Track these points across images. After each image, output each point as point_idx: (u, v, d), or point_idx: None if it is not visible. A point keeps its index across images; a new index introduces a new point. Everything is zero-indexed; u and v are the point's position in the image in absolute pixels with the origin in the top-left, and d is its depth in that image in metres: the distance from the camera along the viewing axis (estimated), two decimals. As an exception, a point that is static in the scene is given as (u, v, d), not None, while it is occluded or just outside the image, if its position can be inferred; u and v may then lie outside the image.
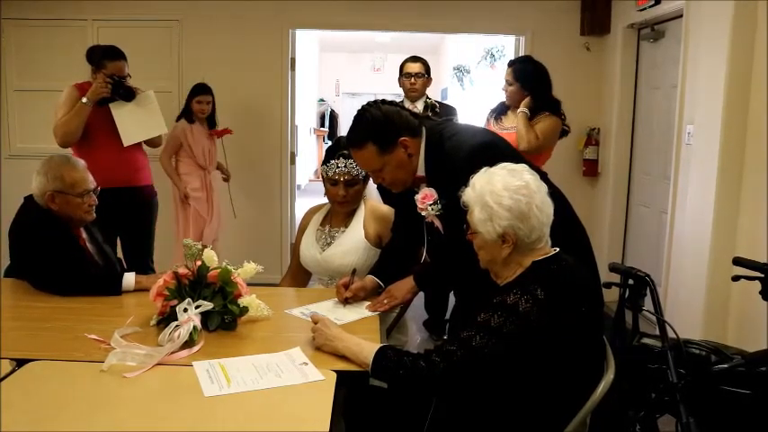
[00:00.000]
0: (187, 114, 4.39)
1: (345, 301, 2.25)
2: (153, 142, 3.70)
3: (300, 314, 2.14)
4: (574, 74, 4.88)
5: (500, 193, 1.61)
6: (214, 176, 4.52)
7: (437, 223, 2.17)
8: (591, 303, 1.63)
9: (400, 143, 2.03)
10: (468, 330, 1.59)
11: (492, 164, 1.73)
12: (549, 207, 1.65)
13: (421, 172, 2.11)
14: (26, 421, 1.39)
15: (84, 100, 3.36)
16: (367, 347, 1.71)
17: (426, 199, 2.08)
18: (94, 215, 2.49)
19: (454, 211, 1.80)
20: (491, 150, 1.97)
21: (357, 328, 1.98)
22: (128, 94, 3.45)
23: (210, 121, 4.46)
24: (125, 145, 3.49)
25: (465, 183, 1.72)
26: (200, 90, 4.37)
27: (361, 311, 2.18)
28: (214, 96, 4.41)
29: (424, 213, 2.12)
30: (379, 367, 1.66)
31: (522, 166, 1.70)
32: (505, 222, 1.60)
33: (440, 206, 2.07)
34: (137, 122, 3.51)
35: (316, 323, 1.86)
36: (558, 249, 1.68)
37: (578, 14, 4.96)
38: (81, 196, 2.41)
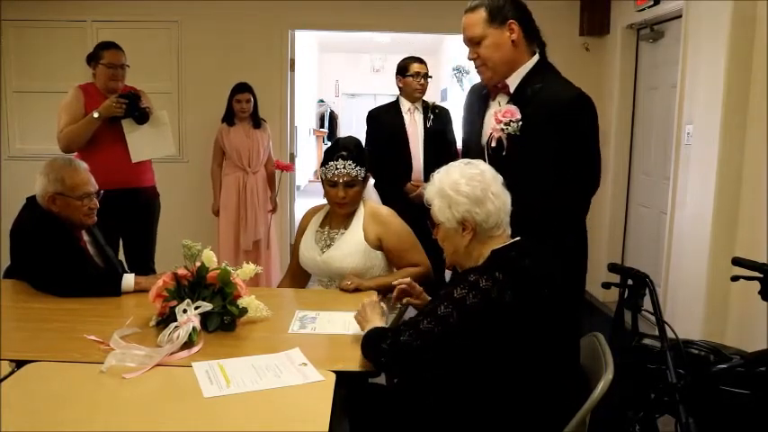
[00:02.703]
0: (228, 116, 4.43)
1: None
2: None
3: (300, 326, 2.07)
4: (573, 74, 4.78)
5: (457, 181, 1.72)
6: (258, 180, 4.50)
7: (503, 141, 2.08)
8: (553, 288, 1.66)
9: (509, 24, 2.07)
10: (433, 302, 1.67)
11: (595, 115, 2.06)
12: (505, 195, 1.74)
13: (510, 85, 2.13)
14: (25, 423, 1.39)
15: (96, 115, 3.38)
16: (368, 328, 1.80)
17: (509, 114, 2.06)
18: (95, 218, 2.49)
19: (530, 143, 2.00)
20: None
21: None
22: (142, 117, 3.48)
23: (255, 120, 4.47)
24: (133, 161, 3.52)
25: (561, 123, 1.98)
26: (239, 89, 4.40)
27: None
28: (255, 94, 4.43)
29: (499, 126, 2.08)
30: (363, 343, 1.75)
31: (479, 161, 1.81)
32: (463, 208, 1.70)
33: (518, 126, 2.05)
34: (147, 141, 3.54)
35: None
36: (519, 238, 1.74)
37: (577, 15, 4.96)
38: (81, 199, 2.41)
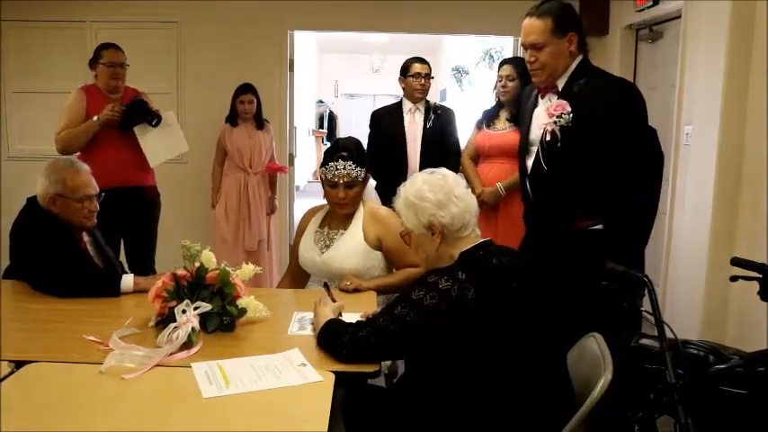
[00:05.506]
0: (231, 117, 4.46)
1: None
2: None
3: (299, 327, 2.06)
4: (572, 74, 4.87)
5: (421, 188, 1.80)
6: (259, 180, 4.52)
7: (557, 133, 2.27)
8: (524, 282, 1.68)
9: (569, 36, 2.28)
10: (393, 302, 1.73)
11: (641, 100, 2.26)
12: (469, 197, 1.82)
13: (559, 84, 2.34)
14: (25, 423, 1.39)
15: (95, 119, 3.39)
16: (323, 321, 1.86)
17: (560, 108, 2.28)
18: (95, 221, 2.49)
19: (583, 133, 2.21)
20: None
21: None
22: (155, 120, 3.49)
23: (258, 121, 4.49)
24: (151, 166, 3.58)
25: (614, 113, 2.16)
26: (241, 90, 4.42)
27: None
28: (258, 94, 4.45)
29: (551, 120, 2.28)
30: (320, 334, 1.83)
31: (441, 168, 1.88)
32: (428, 213, 1.77)
33: (569, 118, 2.25)
34: (161, 144, 3.58)
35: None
36: (488, 239, 1.81)
37: (576, 15, 4.95)
38: (81, 201, 2.41)
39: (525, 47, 2.35)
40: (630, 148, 2.22)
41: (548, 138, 2.30)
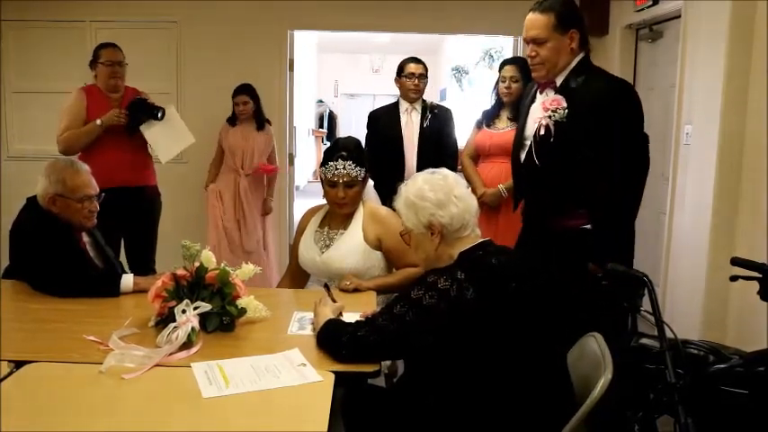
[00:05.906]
0: (231, 117, 4.48)
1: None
2: None
3: (298, 327, 2.06)
4: (572, 74, 4.86)
5: (421, 188, 1.80)
6: (251, 182, 4.52)
7: (551, 127, 2.27)
8: (522, 281, 1.68)
9: (570, 33, 2.29)
10: (393, 301, 1.73)
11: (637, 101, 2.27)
12: (469, 197, 1.82)
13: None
14: (25, 423, 1.39)
15: (99, 122, 3.41)
16: (322, 321, 1.87)
17: (555, 102, 2.28)
18: (95, 221, 2.49)
19: (577, 130, 2.21)
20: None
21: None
22: (160, 113, 3.49)
23: (258, 122, 4.49)
24: (163, 162, 3.61)
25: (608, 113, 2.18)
26: (236, 91, 4.44)
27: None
28: (256, 95, 4.45)
29: (546, 114, 2.28)
30: (320, 334, 1.84)
31: (443, 169, 1.88)
32: (428, 212, 1.77)
33: (564, 113, 2.25)
34: (168, 138, 3.59)
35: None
36: (488, 239, 1.82)
37: (576, 15, 4.95)
38: (81, 201, 2.41)
39: (527, 41, 2.36)
40: (623, 148, 2.23)
41: (541, 132, 2.30)
